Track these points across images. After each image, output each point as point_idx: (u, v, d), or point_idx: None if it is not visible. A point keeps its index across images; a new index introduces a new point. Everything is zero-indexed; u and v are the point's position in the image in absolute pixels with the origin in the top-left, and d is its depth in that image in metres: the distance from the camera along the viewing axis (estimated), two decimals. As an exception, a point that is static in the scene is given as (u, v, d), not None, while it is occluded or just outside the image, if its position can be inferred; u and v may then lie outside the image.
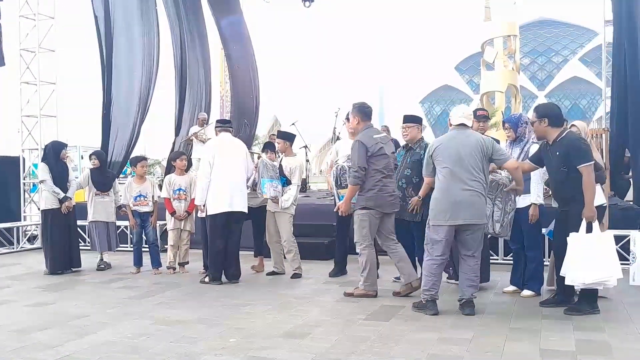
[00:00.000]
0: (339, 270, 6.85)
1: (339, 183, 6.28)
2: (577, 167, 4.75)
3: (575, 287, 5.01)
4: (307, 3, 13.16)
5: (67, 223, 7.53)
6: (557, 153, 4.89)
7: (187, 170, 7.73)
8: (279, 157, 7.13)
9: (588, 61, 46.28)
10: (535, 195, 5.47)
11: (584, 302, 4.93)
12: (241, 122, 12.85)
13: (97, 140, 10.72)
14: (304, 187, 12.35)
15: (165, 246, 7.53)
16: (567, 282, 4.88)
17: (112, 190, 7.76)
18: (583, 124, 5.70)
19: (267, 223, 6.98)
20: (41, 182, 7.48)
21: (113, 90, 10.58)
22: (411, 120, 6.38)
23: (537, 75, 49.65)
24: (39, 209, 10.36)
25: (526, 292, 5.63)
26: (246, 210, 6.60)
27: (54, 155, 7.55)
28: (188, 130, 12.08)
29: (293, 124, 11.98)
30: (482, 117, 6.23)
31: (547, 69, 49.81)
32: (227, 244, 6.51)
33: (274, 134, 8.11)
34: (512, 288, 5.81)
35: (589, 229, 4.74)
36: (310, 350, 4.02)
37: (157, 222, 7.62)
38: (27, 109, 10.31)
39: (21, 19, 10.22)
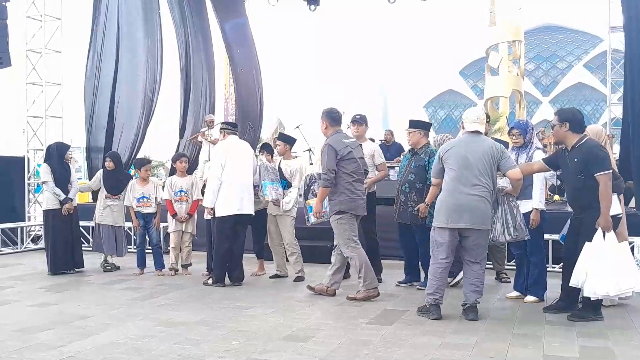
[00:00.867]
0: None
1: (309, 193, 6.31)
2: (594, 175, 4.71)
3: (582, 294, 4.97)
4: (312, 6, 13.19)
5: (69, 224, 7.52)
6: (575, 160, 4.86)
7: (191, 171, 7.73)
8: (277, 159, 7.13)
9: (593, 67, 46.23)
10: (537, 200, 5.46)
11: (588, 308, 4.90)
12: (245, 125, 12.86)
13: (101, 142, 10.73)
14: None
15: (169, 248, 7.53)
16: (586, 294, 4.79)
17: (123, 193, 7.65)
18: (598, 129, 5.64)
19: (269, 226, 6.98)
20: (43, 183, 7.50)
21: (116, 92, 10.61)
22: (414, 125, 6.39)
23: (541, 81, 49.62)
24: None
25: (530, 298, 5.62)
26: (253, 213, 6.61)
27: (58, 156, 7.56)
28: (192, 132, 12.09)
29: (297, 127, 11.98)
30: None
31: (551, 74, 49.77)
32: (232, 246, 6.51)
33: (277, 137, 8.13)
34: (515, 294, 5.80)
35: (604, 239, 4.68)
36: (313, 354, 4.02)
37: (160, 223, 7.64)
38: (32, 110, 10.35)
39: (28, 20, 10.28)
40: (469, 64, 49.38)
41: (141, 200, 7.44)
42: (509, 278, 6.48)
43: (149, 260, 7.48)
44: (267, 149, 7.32)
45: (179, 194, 7.30)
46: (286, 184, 6.86)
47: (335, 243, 5.98)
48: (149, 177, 7.66)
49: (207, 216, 6.76)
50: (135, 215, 7.46)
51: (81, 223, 8.08)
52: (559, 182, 9.66)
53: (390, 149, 11.78)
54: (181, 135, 12.34)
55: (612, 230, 4.72)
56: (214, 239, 6.67)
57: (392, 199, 6.68)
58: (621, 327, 4.69)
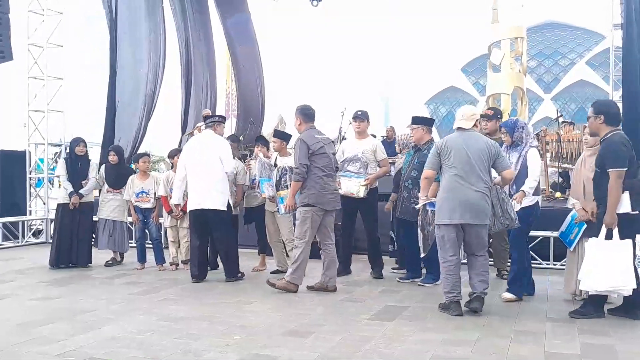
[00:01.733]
0: (343, 270, 6.84)
1: (280, 184, 6.44)
2: (607, 170, 4.67)
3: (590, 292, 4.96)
4: (314, 2, 13.14)
5: (78, 219, 7.51)
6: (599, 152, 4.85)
7: None
8: (273, 154, 7.13)
9: (595, 65, 46.08)
10: (527, 185, 5.40)
11: (590, 305, 4.90)
12: (247, 121, 12.86)
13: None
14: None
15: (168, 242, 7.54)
16: (580, 287, 4.87)
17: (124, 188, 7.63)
18: None
19: (267, 222, 6.98)
20: (56, 176, 7.53)
21: (117, 86, 10.61)
22: (416, 121, 6.38)
23: (543, 78, 49.49)
24: (44, 203, 10.45)
25: (507, 295, 5.50)
26: (220, 208, 6.40)
27: (71, 151, 7.61)
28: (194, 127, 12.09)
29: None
30: (485, 115, 6.23)
31: (553, 71, 49.64)
32: (199, 242, 6.55)
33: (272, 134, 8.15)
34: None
35: (609, 236, 4.66)
36: (314, 350, 4.01)
37: (160, 218, 7.65)
38: (34, 104, 10.35)
39: (29, 14, 10.26)
40: (471, 60, 49.24)
41: (140, 195, 7.44)
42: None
43: (150, 255, 7.49)
44: (261, 141, 7.30)
45: None
46: None
47: (319, 240, 6.02)
48: (148, 171, 7.66)
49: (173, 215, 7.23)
50: (134, 210, 7.46)
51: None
52: (560, 179, 9.66)
53: (392, 145, 11.78)
54: (183, 131, 12.32)
55: (615, 227, 4.66)
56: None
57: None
58: (623, 325, 4.67)
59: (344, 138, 10.83)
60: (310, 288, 5.99)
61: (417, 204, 6.15)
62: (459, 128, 5.13)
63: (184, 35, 12.30)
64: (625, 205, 4.68)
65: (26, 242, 9.84)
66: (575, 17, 50.03)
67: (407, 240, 6.51)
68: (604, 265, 4.62)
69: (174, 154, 7.56)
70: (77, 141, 7.63)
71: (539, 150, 5.86)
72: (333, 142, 6.24)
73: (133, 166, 7.76)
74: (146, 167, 7.61)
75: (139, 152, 9.72)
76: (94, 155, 11.91)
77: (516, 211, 5.29)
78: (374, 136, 9.88)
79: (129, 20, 10.74)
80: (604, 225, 4.69)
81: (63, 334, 4.39)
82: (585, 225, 5.35)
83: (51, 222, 10.16)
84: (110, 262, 7.67)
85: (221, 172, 6.45)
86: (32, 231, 10.24)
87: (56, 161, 11.70)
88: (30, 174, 10.47)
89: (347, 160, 6.70)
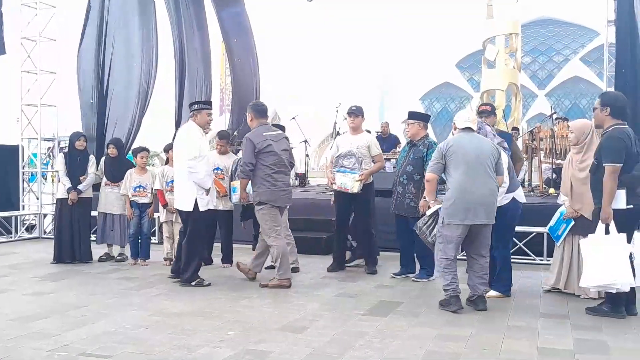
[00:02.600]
0: (338, 265, 6.85)
1: (235, 174, 6.63)
2: (603, 165, 4.65)
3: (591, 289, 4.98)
4: (309, -2, 13.13)
5: (76, 214, 7.47)
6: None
7: None
8: None
9: (589, 61, 46.24)
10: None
11: (608, 303, 4.83)
12: (242, 116, 12.83)
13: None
14: (302, 181, 12.38)
15: (164, 238, 7.51)
16: (580, 284, 4.89)
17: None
18: (581, 124, 5.47)
19: None
20: (55, 171, 7.51)
21: (110, 81, 10.56)
22: (413, 116, 6.38)
23: (538, 74, 49.61)
24: (37, 198, 10.41)
25: (492, 293, 5.47)
26: (182, 208, 6.07)
27: (71, 146, 7.57)
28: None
29: (293, 118, 11.99)
30: (483, 112, 6.15)
31: (548, 68, 49.77)
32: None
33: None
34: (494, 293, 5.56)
35: (606, 231, 4.66)
36: (308, 345, 4.02)
37: (154, 214, 7.63)
38: (27, 98, 10.27)
39: (23, 8, 10.17)
40: (466, 56, 49.28)
41: (137, 189, 7.42)
42: None
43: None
44: None
45: (170, 184, 7.26)
46: None
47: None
48: (146, 166, 7.64)
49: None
50: (130, 205, 7.44)
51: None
52: (554, 175, 9.69)
53: (387, 140, 11.78)
54: (177, 126, 12.29)
55: (608, 222, 4.66)
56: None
57: (389, 191, 6.68)
58: (615, 320, 4.69)
59: (338, 133, 10.84)
60: (263, 285, 5.95)
61: (411, 200, 6.18)
62: (467, 128, 5.10)
63: (178, 30, 12.25)
64: (620, 201, 4.67)
65: (19, 237, 9.80)
66: (570, 13, 50.06)
67: (401, 236, 6.51)
68: (598, 261, 4.63)
69: (169, 148, 7.51)
70: (78, 135, 7.60)
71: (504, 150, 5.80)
72: (287, 138, 6.36)
73: (134, 159, 7.71)
74: (144, 163, 7.58)
75: (134, 146, 9.67)
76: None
77: None
78: (369, 132, 9.89)
79: (121, 15, 10.68)
80: (599, 221, 4.69)
81: (56, 329, 4.38)
82: (572, 222, 5.39)
83: (44, 217, 10.14)
84: (104, 257, 7.64)
85: (183, 170, 5.93)
86: (25, 226, 10.19)
87: (49, 156, 11.66)
88: (23, 168, 10.42)
89: (342, 156, 6.69)
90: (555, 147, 9.56)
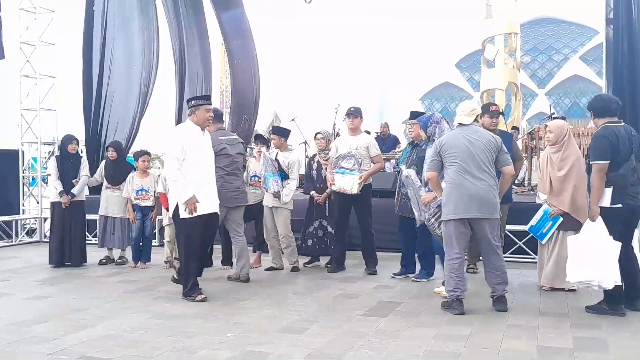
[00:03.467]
0: (338, 266, 6.85)
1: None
2: (590, 163, 4.72)
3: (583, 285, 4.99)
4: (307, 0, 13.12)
5: (68, 218, 7.48)
6: None
7: None
8: (272, 151, 7.13)
9: (589, 60, 46.16)
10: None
11: (606, 301, 4.84)
12: (241, 117, 12.84)
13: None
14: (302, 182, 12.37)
15: (163, 241, 7.53)
16: (566, 279, 4.96)
17: (123, 184, 7.58)
18: (558, 124, 5.62)
19: (265, 219, 6.97)
20: (48, 175, 7.49)
21: (110, 84, 10.58)
22: (415, 117, 6.38)
23: (537, 73, 49.54)
24: (37, 202, 10.43)
25: (441, 289, 5.51)
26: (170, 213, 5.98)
27: (63, 149, 7.57)
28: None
29: (293, 119, 11.98)
30: (495, 112, 6.26)
31: (547, 67, 49.70)
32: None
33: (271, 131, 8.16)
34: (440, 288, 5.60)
35: (587, 228, 4.72)
36: (308, 346, 4.02)
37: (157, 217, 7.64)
38: (26, 103, 10.29)
39: (21, 12, 10.20)
40: (465, 56, 49.21)
41: (140, 192, 7.43)
42: (477, 269, 6.53)
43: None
44: (260, 140, 7.31)
45: None
46: (284, 176, 6.86)
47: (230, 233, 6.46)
48: (148, 170, 7.64)
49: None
50: (132, 208, 7.44)
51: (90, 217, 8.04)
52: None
53: (386, 141, 11.78)
54: (177, 129, 12.32)
55: (595, 220, 4.69)
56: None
57: (388, 192, 6.69)
58: (614, 318, 4.69)
59: (337, 134, 10.84)
60: (228, 278, 6.40)
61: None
62: (459, 124, 5.12)
63: (177, 33, 12.25)
64: (605, 199, 4.70)
65: (20, 241, 9.81)
66: (569, 12, 50.00)
67: (404, 237, 6.51)
68: (580, 257, 4.69)
69: None
70: (70, 139, 7.57)
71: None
72: (242, 142, 6.60)
73: (136, 163, 7.71)
74: (145, 167, 7.58)
75: (135, 150, 9.68)
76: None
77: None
78: (368, 132, 9.89)
79: (121, 18, 10.71)
80: (587, 219, 4.75)
81: (56, 333, 4.39)
82: (560, 219, 5.41)
83: (45, 220, 10.15)
84: (104, 260, 7.65)
85: (172, 172, 5.52)
86: (25, 230, 10.20)
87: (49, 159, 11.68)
88: (23, 172, 10.43)
89: (341, 157, 6.70)
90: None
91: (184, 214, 5.41)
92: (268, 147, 7.27)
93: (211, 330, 4.42)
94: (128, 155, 10.03)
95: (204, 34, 13.07)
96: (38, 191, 10.53)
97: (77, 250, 7.50)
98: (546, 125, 5.66)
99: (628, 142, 4.72)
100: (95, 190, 7.83)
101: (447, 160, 5.00)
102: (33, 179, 10.78)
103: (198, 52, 12.80)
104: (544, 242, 5.69)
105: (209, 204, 5.54)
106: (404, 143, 12.15)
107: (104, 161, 7.91)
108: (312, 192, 7.04)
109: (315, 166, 7.11)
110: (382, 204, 7.08)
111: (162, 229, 8.07)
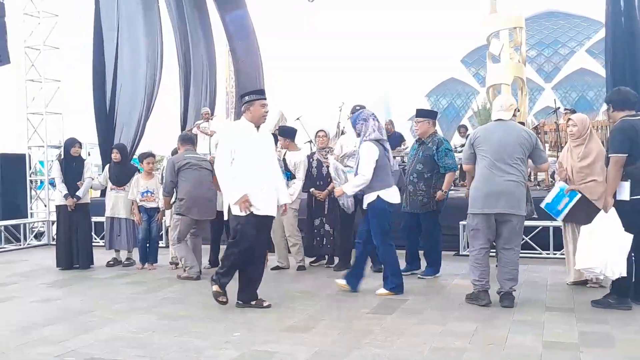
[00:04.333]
0: (343, 265, 6.85)
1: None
2: (609, 155, 4.74)
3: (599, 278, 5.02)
4: (310, -1, 13.13)
5: (75, 221, 7.52)
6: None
7: None
8: (280, 151, 7.14)
9: (595, 52, 45.94)
10: (352, 183, 5.52)
11: (613, 295, 4.83)
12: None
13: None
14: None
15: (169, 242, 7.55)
16: (576, 266, 4.97)
17: (128, 186, 7.61)
18: (581, 118, 5.53)
19: None
20: (52, 178, 7.56)
21: (117, 87, 10.64)
22: (422, 114, 6.36)
23: (543, 67, 49.37)
24: (45, 205, 10.50)
25: (382, 291, 5.52)
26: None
27: (66, 152, 7.61)
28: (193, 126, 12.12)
29: (298, 118, 11.95)
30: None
31: (553, 61, 49.51)
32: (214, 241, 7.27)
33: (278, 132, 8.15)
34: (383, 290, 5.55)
35: (600, 218, 4.71)
36: (314, 344, 4.03)
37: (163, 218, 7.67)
38: (32, 107, 10.37)
39: (25, 17, 10.27)
40: (471, 51, 49.13)
41: (145, 194, 7.45)
42: None
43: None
44: None
45: None
46: (290, 176, 6.87)
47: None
48: (153, 171, 7.67)
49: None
50: (138, 210, 7.47)
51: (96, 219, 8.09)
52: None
53: (391, 139, 11.74)
54: (182, 131, 12.36)
55: (608, 211, 4.68)
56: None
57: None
58: (620, 312, 4.67)
59: (342, 133, 10.82)
60: (178, 276, 6.66)
61: (423, 197, 6.19)
62: (498, 119, 5.10)
63: (181, 35, 12.31)
64: (624, 193, 4.69)
65: (28, 244, 9.88)
66: (574, 5, 49.76)
67: (409, 234, 6.50)
68: (589, 245, 4.69)
69: (174, 153, 7.57)
70: (73, 142, 7.60)
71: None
72: (210, 162, 6.75)
73: (140, 164, 7.75)
74: (150, 169, 7.60)
75: (140, 152, 9.73)
76: (95, 156, 11.93)
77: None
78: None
79: (125, 21, 10.76)
80: (602, 210, 4.74)
81: (64, 335, 4.42)
82: (578, 195, 5.32)
83: (52, 224, 10.20)
84: (111, 262, 7.69)
85: (219, 177, 5.26)
86: (33, 233, 10.27)
87: (56, 163, 11.76)
88: (30, 176, 10.50)
89: (347, 156, 6.71)
90: (560, 141, 9.53)
91: (236, 210, 5.05)
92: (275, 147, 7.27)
93: (217, 330, 4.44)
94: (134, 157, 10.08)
95: (208, 35, 13.12)
96: (45, 194, 10.59)
97: (84, 252, 7.53)
98: (569, 119, 5.61)
99: None
100: (102, 194, 7.87)
101: (479, 154, 5.02)
102: (41, 182, 10.85)
103: (203, 53, 12.86)
104: (559, 219, 5.59)
105: (265, 205, 5.12)
106: (409, 140, 12.14)
107: (107, 165, 7.95)
108: (312, 190, 7.03)
109: (314, 164, 7.11)
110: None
111: (167, 229, 8.09)
